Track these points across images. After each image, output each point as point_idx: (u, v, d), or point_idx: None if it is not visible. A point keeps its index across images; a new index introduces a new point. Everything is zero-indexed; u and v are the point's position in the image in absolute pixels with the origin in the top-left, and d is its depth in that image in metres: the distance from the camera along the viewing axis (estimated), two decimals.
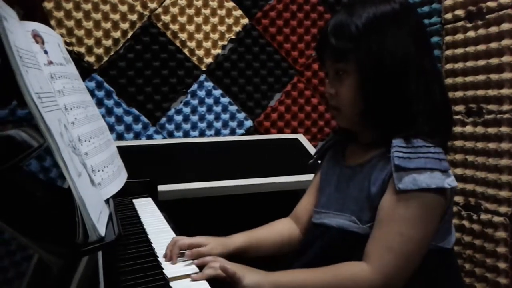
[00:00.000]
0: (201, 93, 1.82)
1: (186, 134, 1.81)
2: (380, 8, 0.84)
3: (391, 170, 0.79)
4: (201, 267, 0.77)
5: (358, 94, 0.84)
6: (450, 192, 0.83)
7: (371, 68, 0.82)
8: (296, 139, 1.88)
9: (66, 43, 1.61)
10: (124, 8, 1.69)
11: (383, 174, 0.82)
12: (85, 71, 1.64)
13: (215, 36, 1.83)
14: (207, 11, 1.81)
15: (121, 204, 1.14)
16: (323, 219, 0.92)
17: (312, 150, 1.76)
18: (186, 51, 1.79)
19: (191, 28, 1.79)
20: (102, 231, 0.61)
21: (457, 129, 1.58)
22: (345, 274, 0.78)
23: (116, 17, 1.68)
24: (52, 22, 1.59)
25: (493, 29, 1.44)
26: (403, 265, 0.77)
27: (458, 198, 1.58)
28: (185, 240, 0.84)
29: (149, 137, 1.76)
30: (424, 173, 0.77)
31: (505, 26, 1.40)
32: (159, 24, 1.75)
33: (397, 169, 0.78)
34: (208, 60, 1.83)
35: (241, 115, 1.89)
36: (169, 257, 0.81)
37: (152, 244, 0.85)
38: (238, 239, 0.93)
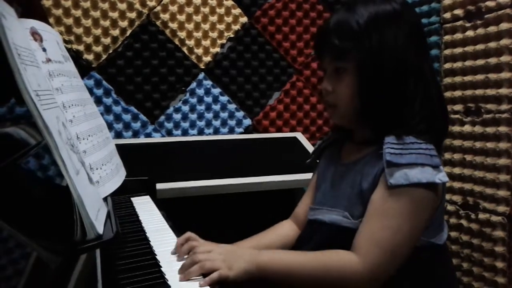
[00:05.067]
0: (200, 92, 1.82)
1: (185, 133, 1.81)
2: (381, 7, 0.85)
3: (383, 166, 0.80)
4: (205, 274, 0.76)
5: (356, 92, 0.85)
6: (442, 188, 0.83)
7: (371, 67, 0.83)
8: (294, 137, 1.88)
9: (65, 41, 1.61)
10: (123, 6, 1.68)
11: (374, 170, 0.83)
12: (83, 69, 1.64)
13: (214, 34, 1.83)
14: (206, 10, 1.81)
15: (120, 202, 1.14)
16: (317, 215, 0.93)
17: (310, 149, 1.76)
18: (185, 49, 1.79)
19: (190, 26, 1.79)
20: (100, 229, 0.61)
21: (456, 128, 1.58)
22: (334, 265, 0.79)
23: (115, 15, 1.68)
24: (51, 20, 1.59)
25: (492, 29, 1.44)
26: (390, 259, 0.78)
27: (456, 197, 1.58)
28: (197, 239, 0.85)
29: (148, 135, 1.76)
30: (415, 168, 0.77)
31: (504, 25, 1.40)
32: (158, 22, 1.74)
33: (389, 165, 0.79)
34: (207, 59, 1.83)
35: (240, 114, 1.89)
36: (179, 246, 0.82)
37: (150, 242, 0.85)
38: (246, 245, 0.94)
